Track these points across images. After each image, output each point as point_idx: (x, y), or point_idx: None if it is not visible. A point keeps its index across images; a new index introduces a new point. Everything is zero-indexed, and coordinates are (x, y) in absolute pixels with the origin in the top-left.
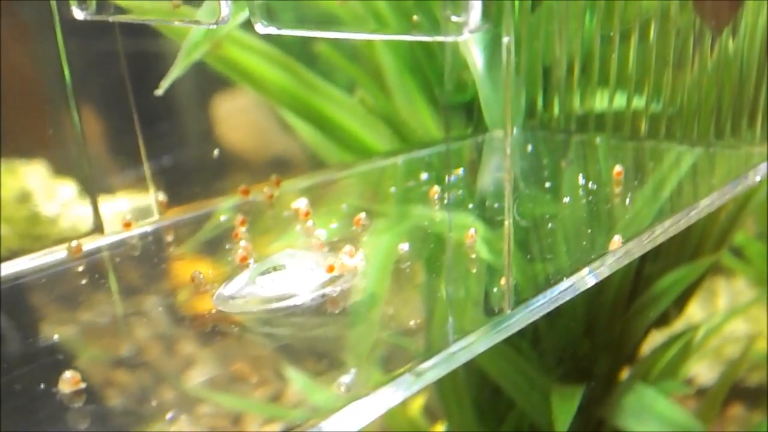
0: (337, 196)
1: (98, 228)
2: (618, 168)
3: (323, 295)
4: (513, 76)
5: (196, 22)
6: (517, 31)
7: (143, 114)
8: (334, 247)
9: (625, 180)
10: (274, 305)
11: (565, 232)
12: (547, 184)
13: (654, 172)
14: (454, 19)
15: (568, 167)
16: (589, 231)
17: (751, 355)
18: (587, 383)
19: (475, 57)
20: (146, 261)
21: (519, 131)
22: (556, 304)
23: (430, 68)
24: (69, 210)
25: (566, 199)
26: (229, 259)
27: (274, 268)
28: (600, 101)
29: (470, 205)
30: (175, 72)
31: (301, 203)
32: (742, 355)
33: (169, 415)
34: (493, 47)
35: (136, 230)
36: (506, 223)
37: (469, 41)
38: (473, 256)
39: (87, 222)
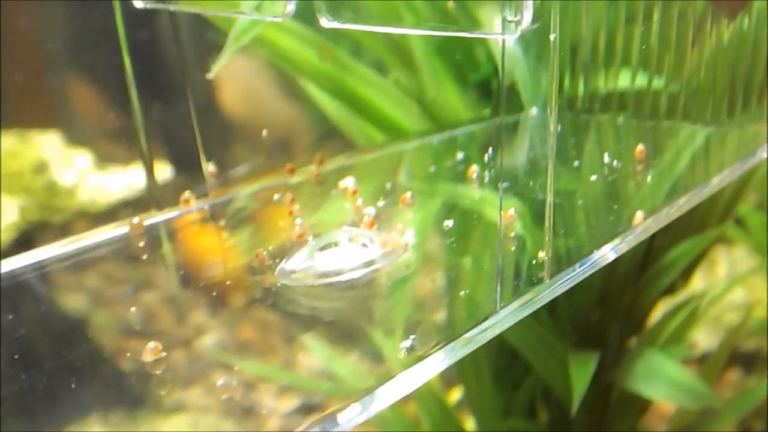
0: (378, 174)
1: (156, 204)
2: (640, 147)
3: (378, 270)
4: (556, 63)
5: (260, 16)
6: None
7: (195, 97)
8: (383, 223)
9: (645, 158)
10: (333, 279)
11: (590, 209)
12: (574, 163)
13: (669, 150)
14: (509, 18)
15: (592, 146)
16: (615, 207)
17: (749, 322)
18: (601, 349)
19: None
20: (206, 237)
21: (542, 111)
22: (586, 275)
23: (459, 49)
24: (85, 180)
25: (593, 177)
26: (285, 235)
27: (334, 244)
28: (622, 81)
29: (505, 183)
30: (224, 57)
31: (349, 182)
32: (741, 323)
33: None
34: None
35: (191, 207)
36: (548, 199)
37: None
38: (512, 234)
39: (106, 193)
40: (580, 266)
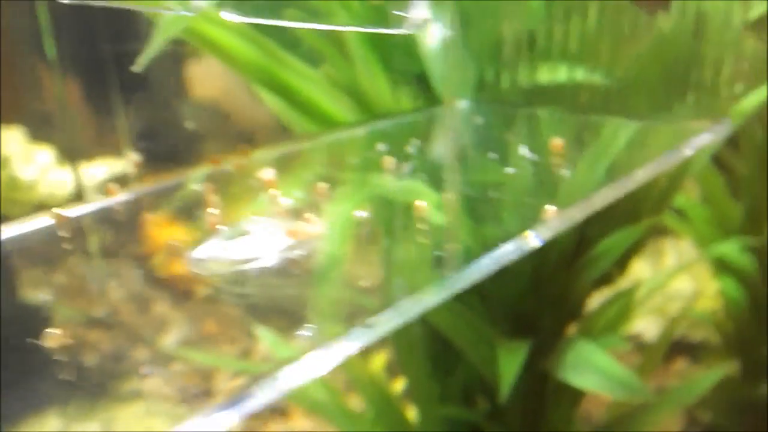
0: (303, 165)
1: (80, 195)
2: (558, 140)
3: (285, 258)
4: (462, 61)
5: (178, 12)
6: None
7: (122, 89)
8: (296, 214)
9: (568, 151)
10: (242, 267)
11: (509, 200)
12: (495, 155)
13: (595, 143)
14: (396, 12)
15: (515, 138)
16: (533, 199)
17: (695, 312)
18: (535, 337)
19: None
20: (126, 227)
21: (470, 103)
22: (500, 265)
23: (389, 40)
24: (46, 175)
25: (512, 170)
26: (200, 224)
27: (241, 234)
28: (550, 74)
29: (424, 175)
30: (152, 49)
31: (267, 173)
32: (682, 312)
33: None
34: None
35: (114, 198)
36: (450, 194)
37: None
38: (425, 226)
39: (65, 187)
40: (487, 259)
